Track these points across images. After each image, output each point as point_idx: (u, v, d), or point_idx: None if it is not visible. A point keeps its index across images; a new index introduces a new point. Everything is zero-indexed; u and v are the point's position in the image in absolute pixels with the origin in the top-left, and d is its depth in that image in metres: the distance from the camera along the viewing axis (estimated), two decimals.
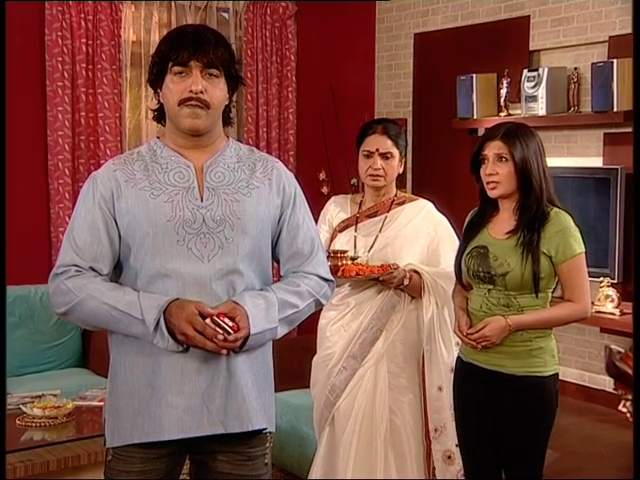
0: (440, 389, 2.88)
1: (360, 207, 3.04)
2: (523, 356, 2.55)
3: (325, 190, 5.94)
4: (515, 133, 2.56)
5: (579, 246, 2.52)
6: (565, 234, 2.50)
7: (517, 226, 2.55)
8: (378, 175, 2.93)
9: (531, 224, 2.51)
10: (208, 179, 2.01)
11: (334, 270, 2.81)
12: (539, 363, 2.55)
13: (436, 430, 2.89)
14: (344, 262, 2.82)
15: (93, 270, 1.97)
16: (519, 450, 2.60)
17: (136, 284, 1.97)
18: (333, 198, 3.19)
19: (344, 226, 3.04)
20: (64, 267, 1.97)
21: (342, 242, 2.99)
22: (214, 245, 1.97)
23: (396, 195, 3.02)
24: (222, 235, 1.97)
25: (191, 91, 1.94)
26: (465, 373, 2.68)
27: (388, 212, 2.97)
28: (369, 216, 3.00)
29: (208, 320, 1.89)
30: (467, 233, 2.69)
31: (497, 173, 2.54)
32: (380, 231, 2.95)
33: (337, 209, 3.08)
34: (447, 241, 2.96)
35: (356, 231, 2.99)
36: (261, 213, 2.03)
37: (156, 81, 2.00)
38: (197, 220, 1.96)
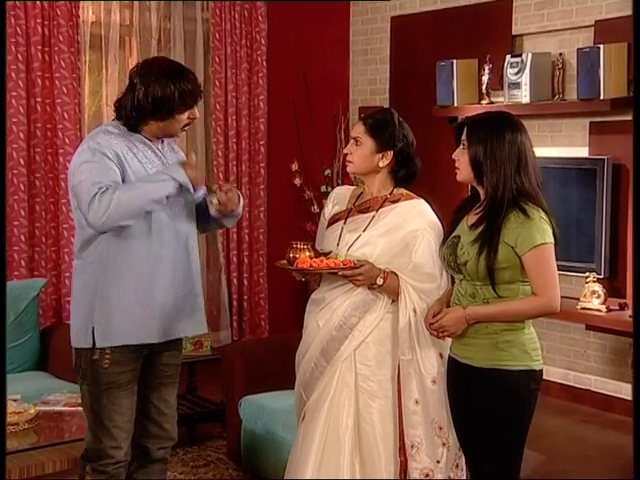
0: (417, 402, 2.88)
1: (357, 200, 3.05)
2: (489, 349, 2.63)
3: (297, 182, 5.97)
4: (480, 122, 2.68)
5: (542, 237, 2.57)
6: (528, 225, 2.57)
7: (481, 217, 2.66)
8: (347, 160, 3.01)
9: (492, 215, 2.61)
10: None
11: (291, 261, 2.88)
12: (505, 357, 2.61)
13: (412, 446, 2.88)
14: (300, 254, 2.86)
15: None
16: (488, 447, 2.67)
17: None
18: (336, 189, 3.25)
19: (335, 219, 3.05)
20: None
21: (331, 236, 3.01)
22: None
23: (391, 192, 3.02)
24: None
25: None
26: (449, 366, 2.82)
27: (378, 210, 2.98)
28: (361, 211, 3.01)
29: None
30: (451, 223, 2.81)
31: (458, 159, 2.70)
32: (365, 229, 2.95)
33: (335, 201, 3.11)
34: (425, 255, 2.92)
35: (345, 225, 3.01)
36: None
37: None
38: None
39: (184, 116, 2.85)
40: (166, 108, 2.79)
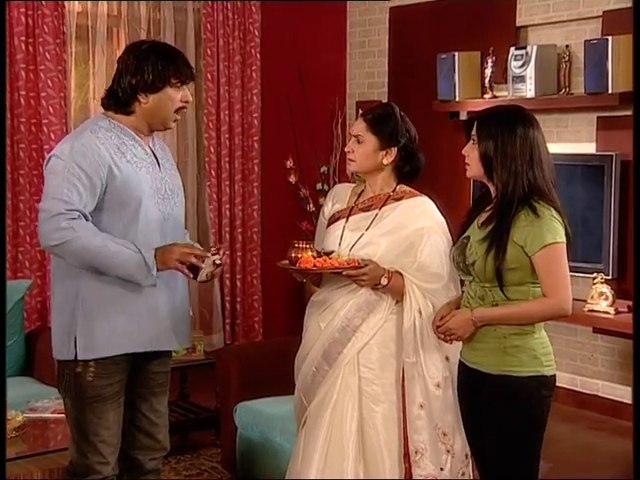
0: (421, 407, 2.88)
1: (358, 198, 3.05)
2: (497, 354, 2.64)
3: (292, 179, 5.96)
4: (491, 117, 2.69)
5: (552, 236, 2.57)
6: (538, 224, 2.57)
7: (491, 215, 2.67)
8: (349, 159, 3.00)
9: (502, 213, 2.62)
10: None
11: (293, 261, 2.87)
12: (514, 362, 2.61)
13: (416, 452, 2.89)
14: (302, 254, 2.86)
15: None
16: (498, 455, 2.67)
17: None
18: (336, 186, 3.26)
19: (336, 218, 3.04)
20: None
21: (331, 235, 3.00)
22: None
23: (394, 190, 3.02)
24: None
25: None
26: (459, 371, 2.82)
27: (381, 208, 2.98)
28: (363, 209, 3.01)
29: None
30: (464, 224, 2.81)
31: (468, 155, 2.71)
32: (367, 228, 2.95)
33: (335, 199, 3.11)
34: (432, 254, 2.92)
35: (346, 224, 3.00)
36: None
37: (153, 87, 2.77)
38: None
39: (177, 95, 2.79)
40: (159, 77, 2.75)
